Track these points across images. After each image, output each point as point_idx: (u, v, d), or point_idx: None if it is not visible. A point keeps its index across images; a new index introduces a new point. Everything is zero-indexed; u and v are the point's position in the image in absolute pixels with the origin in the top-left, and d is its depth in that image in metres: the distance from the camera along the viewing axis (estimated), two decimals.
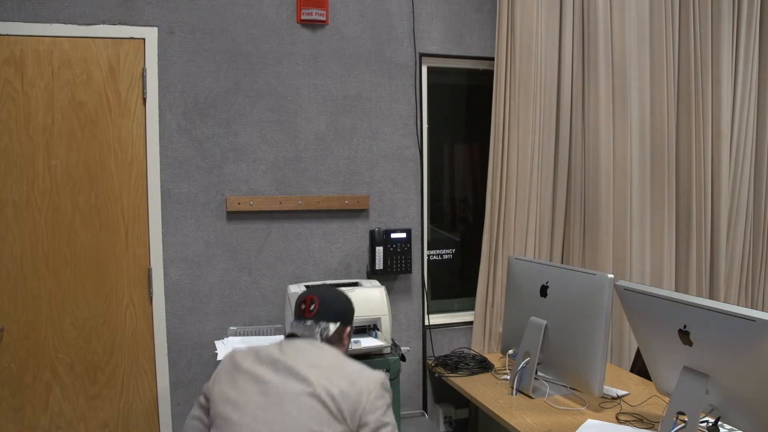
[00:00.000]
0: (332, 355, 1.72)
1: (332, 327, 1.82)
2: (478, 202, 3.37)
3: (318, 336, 1.79)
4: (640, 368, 2.72)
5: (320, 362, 1.67)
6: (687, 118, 3.33)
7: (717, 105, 3.39)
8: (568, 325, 2.30)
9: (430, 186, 3.24)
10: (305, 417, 1.57)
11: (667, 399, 2.19)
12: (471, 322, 3.20)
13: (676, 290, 3.36)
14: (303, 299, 1.85)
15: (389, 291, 3.06)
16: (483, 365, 2.80)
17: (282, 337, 1.89)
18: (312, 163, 2.95)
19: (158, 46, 2.72)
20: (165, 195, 2.76)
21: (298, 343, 1.75)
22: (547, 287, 2.43)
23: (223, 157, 2.83)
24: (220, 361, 2.79)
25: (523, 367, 2.42)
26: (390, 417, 1.64)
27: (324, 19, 2.92)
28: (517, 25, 3.02)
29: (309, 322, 1.81)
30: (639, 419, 2.14)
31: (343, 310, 1.87)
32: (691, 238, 3.36)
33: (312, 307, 1.83)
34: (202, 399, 1.81)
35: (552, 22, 3.10)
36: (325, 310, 1.83)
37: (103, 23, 2.64)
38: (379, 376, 1.67)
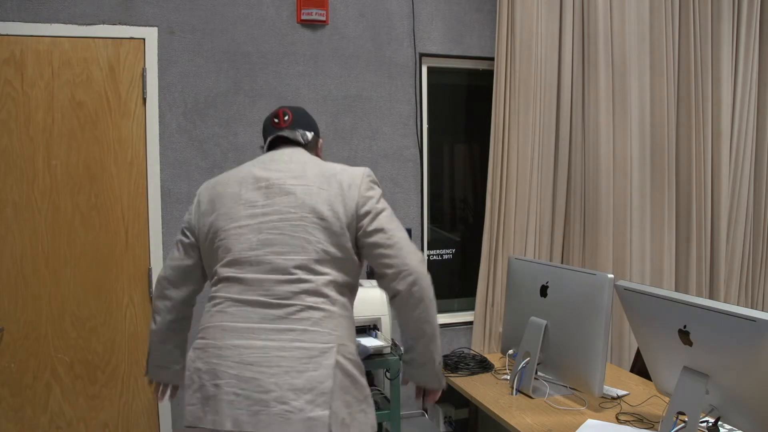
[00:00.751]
0: (314, 162, 1.72)
1: (309, 134, 1.84)
2: (478, 202, 3.37)
3: (300, 138, 1.80)
4: (640, 368, 2.72)
5: (306, 172, 1.68)
6: (687, 118, 3.33)
7: (717, 105, 3.39)
8: (568, 325, 2.30)
9: (430, 186, 3.24)
10: (303, 235, 1.61)
11: (667, 399, 2.19)
12: (471, 322, 3.20)
13: (676, 290, 3.36)
14: (274, 114, 1.86)
15: None
16: (483, 365, 2.80)
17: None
18: None
19: (158, 46, 2.72)
20: (165, 195, 2.76)
21: (278, 156, 1.74)
22: (547, 287, 2.43)
23: (223, 157, 2.83)
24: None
25: (523, 367, 2.42)
26: (384, 204, 1.69)
27: (324, 19, 2.92)
28: (517, 25, 3.02)
29: (286, 131, 1.82)
30: (639, 419, 2.14)
31: (313, 122, 1.89)
32: (691, 238, 3.36)
33: (286, 118, 1.84)
34: (185, 239, 1.78)
35: (552, 22, 3.10)
36: (298, 120, 1.84)
37: (103, 23, 2.64)
38: (362, 170, 1.71)
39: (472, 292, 3.25)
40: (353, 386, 1.59)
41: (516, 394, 2.41)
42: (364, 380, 1.64)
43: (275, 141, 1.83)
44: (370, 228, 1.65)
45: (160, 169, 2.74)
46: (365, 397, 1.62)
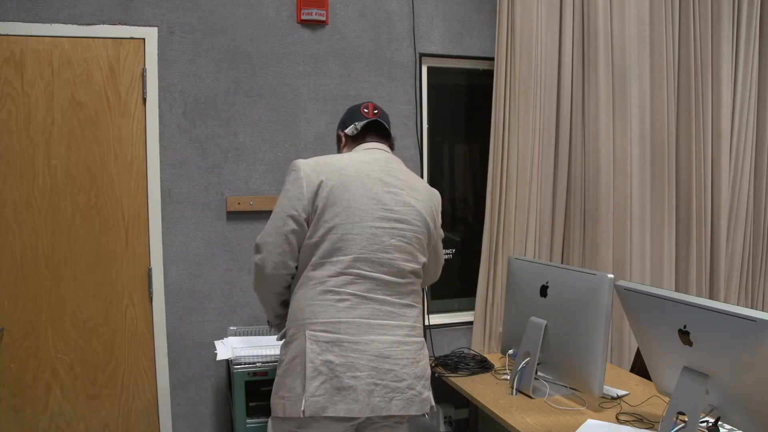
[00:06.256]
0: (414, 174, 1.98)
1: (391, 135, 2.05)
2: (478, 202, 3.37)
3: (390, 130, 2.01)
4: (640, 368, 2.72)
5: (418, 186, 1.93)
6: (687, 118, 3.33)
7: (717, 105, 3.39)
8: (568, 325, 2.30)
9: (430, 186, 3.23)
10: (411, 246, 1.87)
11: (667, 399, 2.19)
12: (471, 322, 3.20)
13: (676, 290, 3.36)
14: (363, 105, 2.02)
15: None
16: (483, 365, 2.80)
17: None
18: None
19: (158, 46, 2.72)
20: (165, 195, 2.76)
21: (390, 159, 1.93)
22: (547, 287, 2.43)
23: (223, 157, 2.83)
24: (220, 361, 2.80)
25: (523, 367, 2.42)
26: (441, 230, 2.06)
27: (324, 19, 2.92)
28: (517, 25, 3.02)
29: (381, 119, 2.00)
30: (639, 419, 2.14)
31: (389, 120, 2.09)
32: (691, 238, 3.36)
33: (375, 111, 2.02)
34: (298, 228, 1.81)
35: (552, 22, 3.10)
36: (384, 116, 2.04)
37: (103, 23, 2.64)
38: (438, 195, 2.04)
39: (472, 292, 3.24)
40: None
41: (516, 394, 2.41)
42: None
43: (367, 127, 1.98)
44: (432, 248, 2.00)
45: (160, 169, 2.74)
46: None
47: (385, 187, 1.83)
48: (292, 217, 1.78)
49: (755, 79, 3.47)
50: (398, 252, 1.81)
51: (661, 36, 3.23)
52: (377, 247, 1.78)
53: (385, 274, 1.79)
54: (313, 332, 1.72)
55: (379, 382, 1.72)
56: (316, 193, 1.78)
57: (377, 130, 1.99)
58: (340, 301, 1.74)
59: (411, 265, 1.85)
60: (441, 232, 2.04)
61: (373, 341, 1.74)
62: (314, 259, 1.78)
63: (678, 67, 3.33)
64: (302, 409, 1.67)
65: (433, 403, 1.88)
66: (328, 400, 1.68)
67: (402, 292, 1.83)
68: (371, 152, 1.91)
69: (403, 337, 1.79)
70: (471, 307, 3.25)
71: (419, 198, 1.90)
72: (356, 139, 1.98)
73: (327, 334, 1.71)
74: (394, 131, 3.05)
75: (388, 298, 1.79)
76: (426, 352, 1.88)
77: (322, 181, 1.78)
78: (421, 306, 1.91)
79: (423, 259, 1.90)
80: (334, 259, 1.75)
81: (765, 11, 3.46)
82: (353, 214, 1.77)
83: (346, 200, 1.77)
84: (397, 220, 1.82)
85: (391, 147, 2.02)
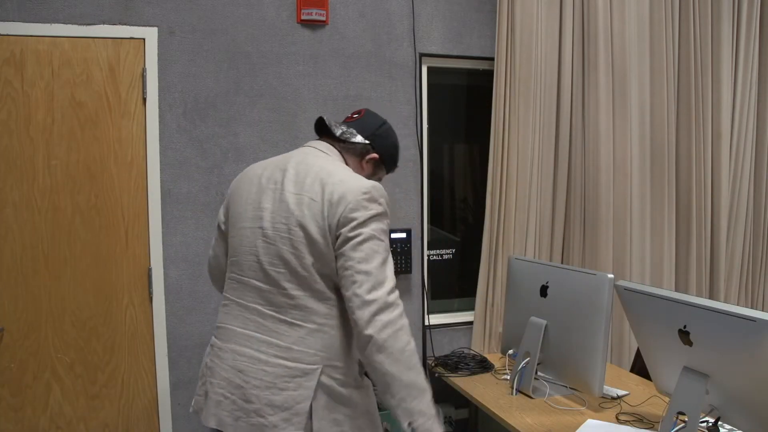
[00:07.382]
0: (327, 169, 1.58)
1: (359, 138, 1.69)
2: (478, 202, 3.37)
3: (334, 129, 1.70)
4: (640, 368, 2.72)
5: (306, 179, 1.57)
6: (687, 119, 3.33)
7: (717, 105, 3.39)
8: (568, 325, 2.30)
9: (430, 186, 3.24)
10: (286, 244, 1.56)
11: (667, 399, 2.19)
12: (471, 322, 3.20)
13: (676, 290, 3.36)
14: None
15: None
16: (483, 365, 2.80)
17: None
18: None
19: (158, 46, 2.72)
20: (165, 195, 2.76)
21: (302, 155, 1.66)
22: (547, 287, 2.43)
23: (223, 157, 2.83)
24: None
25: (523, 367, 2.42)
26: (368, 230, 1.49)
27: (324, 19, 2.92)
28: (517, 25, 3.02)
29: (331, 119, 1.74)
30: (639, 419, 2.14)
31: (381, 137, 1.73)
32: (691, 238, 3.36)
33: (355, 116, 1.76)
34: (218, 232, 1.83)
35: (552, 22, 3.10)
36: (362, 122, 1.73)
37: (103, 23, 2.64)
38: (361, 186, 1.52)
39: (472, 292, 3.24)
40: (344, 405, 1.58)
41: (516, 394, 2.41)
42: (363, 397, 1.64)
43: (319, 125, 1.79)
44: (338, 253, 1.52)
45: (160, 169, 2.74)
46: (364, 413, 1.62)
47: (270, 184, 1.62)
48: (218, 224, 1.84)
49: (755, 79, 3.47)
50: (265, 255, 1.57)
51: (661, 36, 3.24)
52: (246, 249, 1.63)
53: (254, 279, 1.60)
54: (213, 336, 1.76)
55: (228, 395, 1.57)
56: (225, 204, 1.81)
57: (320, 128, 1.80)
58: (223, 306, 1.72)
59: (283, 270, 1.55)
60: (362, 230, 1.49)
61: (233, 351, 1.60)
62: None
63: (678, 67, 3.33)
64: (192, 403, 1.72)
65: None
66: (203, 402, 1.67)
67: (277, 304, 1.56)
68: (297, 150, 1.73)
69: (269, 357, 1.53)
70: (471, 307, 3.25)
71: (298, 191, 1.56)
72: None
73: (213, 338, 1.74)
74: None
75: (259, 307, 1.59)
76: (311, 384, 1.51)
77: (229, 191, 1.80)
78: (320, 328, 1.55)
79: (306, 264, 1.53)
80: (226, 263, 1.77)
81: (765, 11, 3.46)
82: (236, 219, 1.70)
83: (235, 204, 1.73)
84: (263, 219, 1.59)
85: (352, 151, 1.73)
